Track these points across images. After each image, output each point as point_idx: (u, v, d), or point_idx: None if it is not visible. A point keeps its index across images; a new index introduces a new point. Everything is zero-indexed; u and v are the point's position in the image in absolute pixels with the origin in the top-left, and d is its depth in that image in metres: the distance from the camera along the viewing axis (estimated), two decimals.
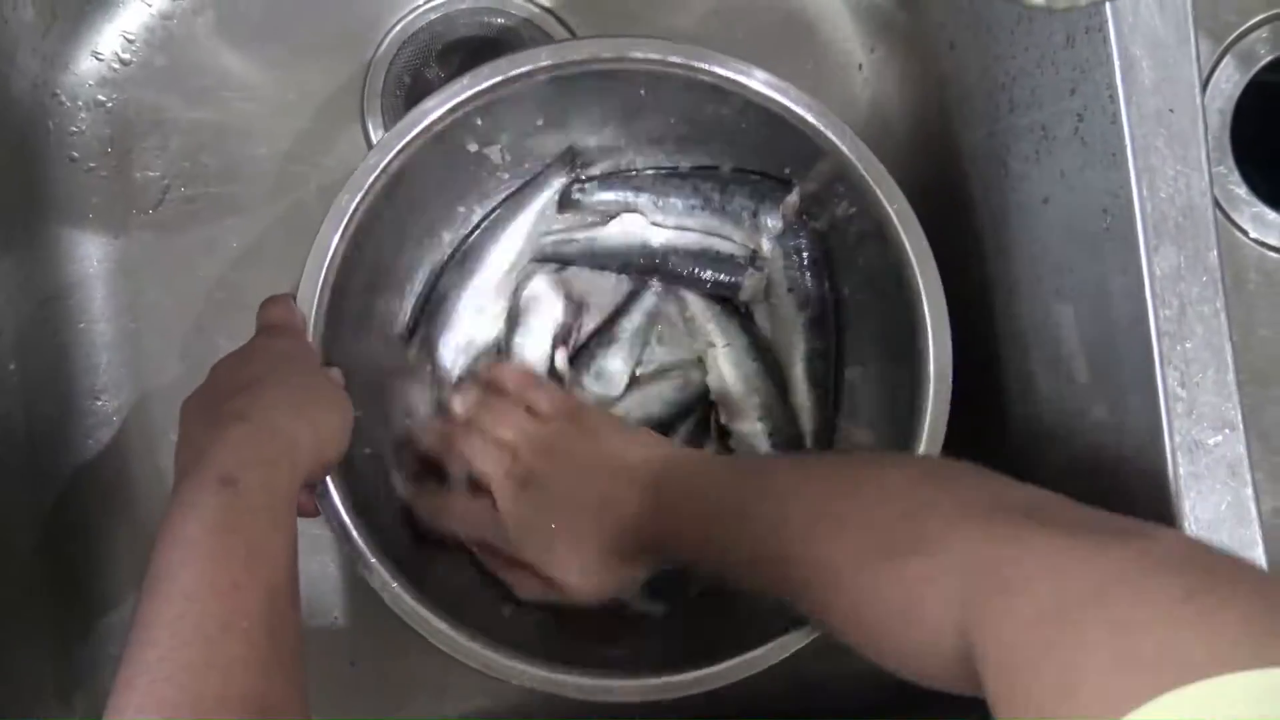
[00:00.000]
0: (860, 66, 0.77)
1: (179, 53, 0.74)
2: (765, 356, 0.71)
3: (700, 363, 0.72)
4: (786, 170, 0.69)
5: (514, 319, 0.71)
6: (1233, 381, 0.51)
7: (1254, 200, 0.64)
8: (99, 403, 0.73)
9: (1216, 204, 0.52)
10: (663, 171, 0.72)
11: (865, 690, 0.72)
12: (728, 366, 0.71)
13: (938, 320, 0.60)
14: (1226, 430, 0.50)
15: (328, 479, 0.57)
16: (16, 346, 0.68)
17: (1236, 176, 0.65)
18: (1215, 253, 0.51)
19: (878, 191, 0.60)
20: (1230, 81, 0.65)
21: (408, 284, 0.71)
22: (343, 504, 0.58)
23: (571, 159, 0.71)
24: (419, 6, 0.75)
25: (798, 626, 0.57)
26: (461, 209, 0.71)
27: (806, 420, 0.71)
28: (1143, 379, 0.51)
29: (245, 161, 0.74)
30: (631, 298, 0.72)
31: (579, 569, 0.60)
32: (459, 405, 0.66)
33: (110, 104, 0.73)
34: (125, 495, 0.72)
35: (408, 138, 0.60)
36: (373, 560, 0.58)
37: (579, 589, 0.60)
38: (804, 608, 0.53)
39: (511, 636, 0.59)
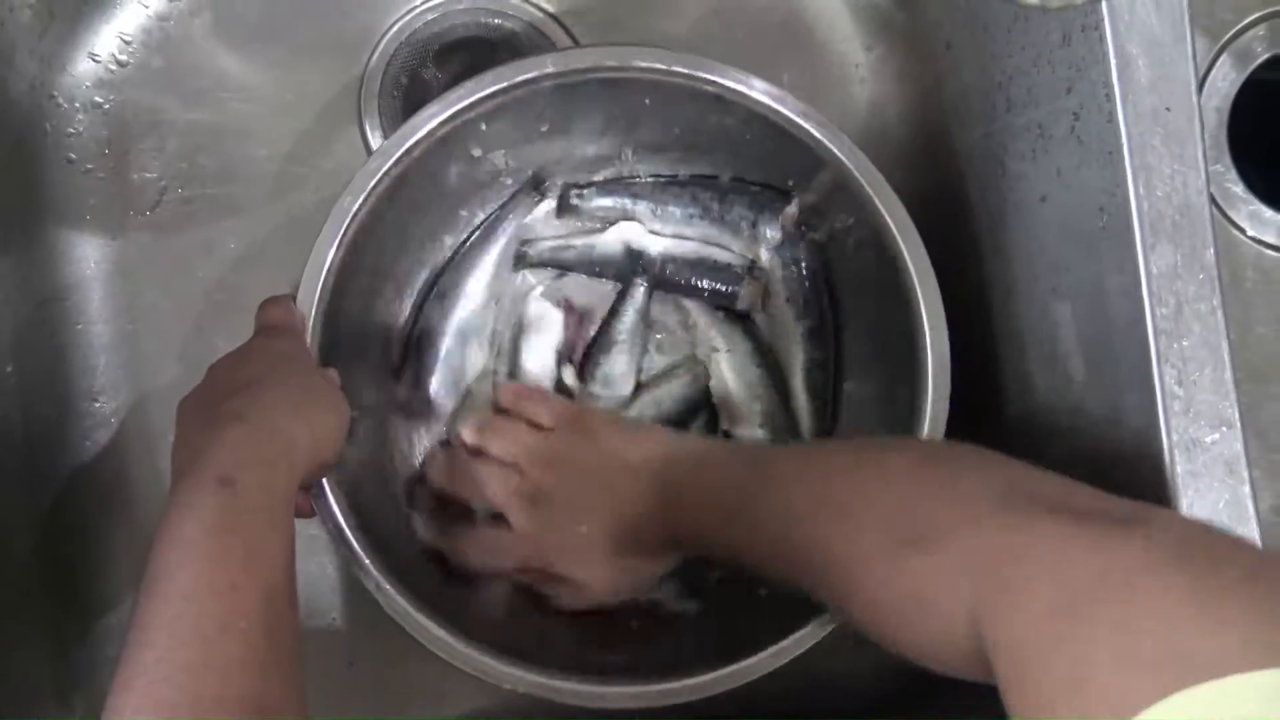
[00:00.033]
0: (858, 66, 0.77)
1: (176, 54, 0.74)
2: (768, 363, 0.71)
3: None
4: (790, 182, 0.69)
5: (517, 340, 0.71)
6: (1230, 379, 0.51)
7: (1251, 198, 0.64)
8: (97, 404, 0.72)
9: (1213, 202, 0.52)
10: (662, 180, 0.72)
11: (866, 690, 0.72)
12: (730, 373, 0.71)
13: (936, 331, 0.60)
14: (1224, 428, 0.50)
15: (324, 481, 0.57)
16: (14, 348, 0.68)
17: (1233, 174, 0.65)
18: (1212, 251, 0.51)
19: (876, 201, 0.61)
20: (1227, 79, 0.65)
21: (408, 287, 0.71)
22: (338, 506, 0.58)
23: (537, 184, 0.71)
24: (416, 7, 0.75)
25: (794, 631, 0.57)
26: (464, 213, 0.71)
27: (806, 430, 0.71)
28: (1140, 377, 0.52)
29: (243, 163, 0.74)
30: (621, 297, 0.72)
31: (598, 571, 0.61)
32: (468, 435, 0.66)
33: (107, 105, 0.73)
34: (123, 496, 0.72)
35: (411, 141, 0.60)
36: (367, 562, 0.58)
37: (603, 590, 0.61)
38: (819, 596, 0.53)
39: (509, 641, 0.59)
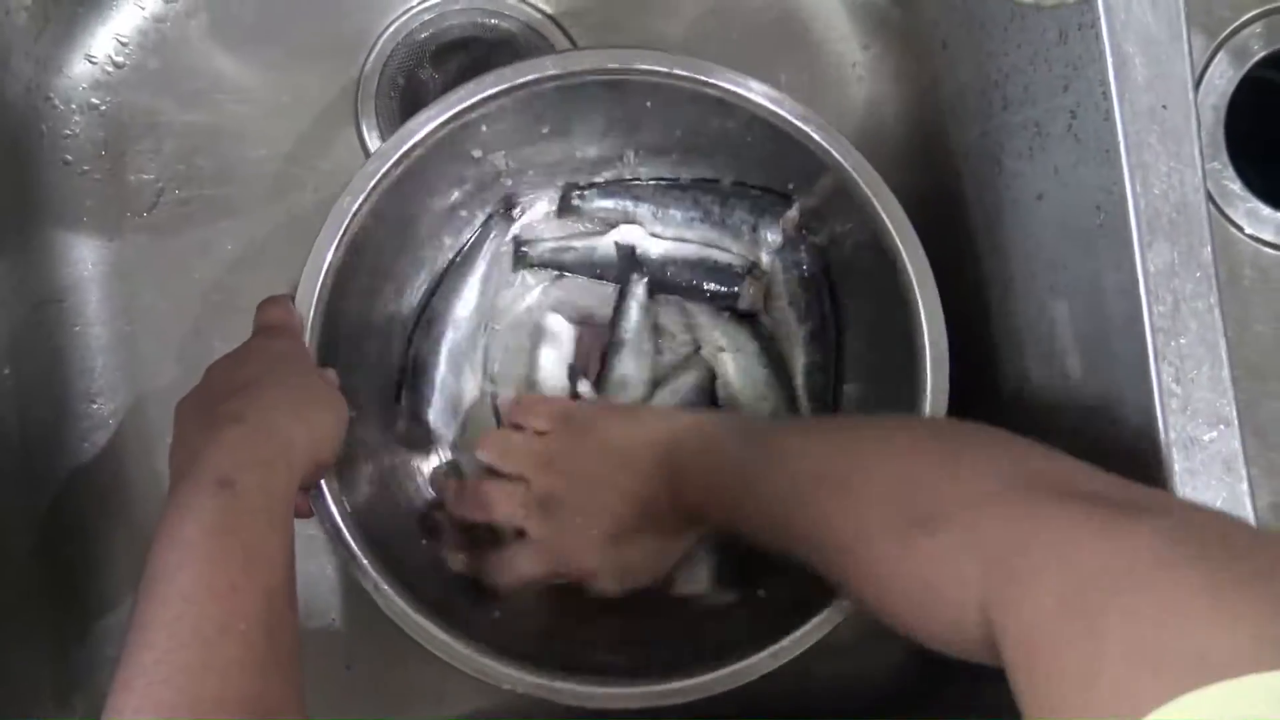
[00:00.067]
0: (855, 65, 0.77)
1: (172, 56, 0.74)
2: (774, 363, 0.71)
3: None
4: (790, 186, 0.69)
5: (533, 357, 0.72)
6: (1227, 377, 0.51)
7: (1248, 196, 0.64)
8: (95, 406, 0.72)
9: (1211, 200, 0.52)
10: (663, 183, 0.73)
11: (865, 690, 0.72)
12: (736, 373, 0.71)
13: (934, 331, 0.60)
14: (1221, 426, 0.50)
15: (322, 482, 0.57)
16: (11, 350, 0.68)
17: (1231, 172, 0.65)
18: (1209, 249, 0.51)
19: (875, 203, 0.61)
20: (1224, 77, 0.65)
21: (407, 287, 0.71)
22: (336, 506, 0.58)
23: (509, 208, 0.72)
24: (412, 8, 0.75)
25: (793, 631, 0.57)
26: (463, 213, 0.71)
27: None
28: (1138, 375, 0.52)
29: (239, 164, 0.74)
30: (622, 296, 0.72)
31: (624, 562, 0.61)
32: (478, 456, 0.66)
33: (104, 107, 0.73)
34: (121, 498, 0.72)
35: (411, 143, 0.60)
36: (365, 563, 0.58)
37: (635, 578, 0.62)
38: (832, 577, 0.52)
39: (508, 641, 0.59)
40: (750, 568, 0.66)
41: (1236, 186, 0.65)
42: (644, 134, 0.69)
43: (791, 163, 0.64)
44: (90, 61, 0.73)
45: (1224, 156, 0.65)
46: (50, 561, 0.69)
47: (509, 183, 0.71)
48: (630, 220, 0.72)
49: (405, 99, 0.75)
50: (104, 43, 0.73)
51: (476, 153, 0.66)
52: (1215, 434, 0.50)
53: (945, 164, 0.71)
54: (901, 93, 0.76)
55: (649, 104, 0.64)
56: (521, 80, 0.60)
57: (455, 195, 0.69)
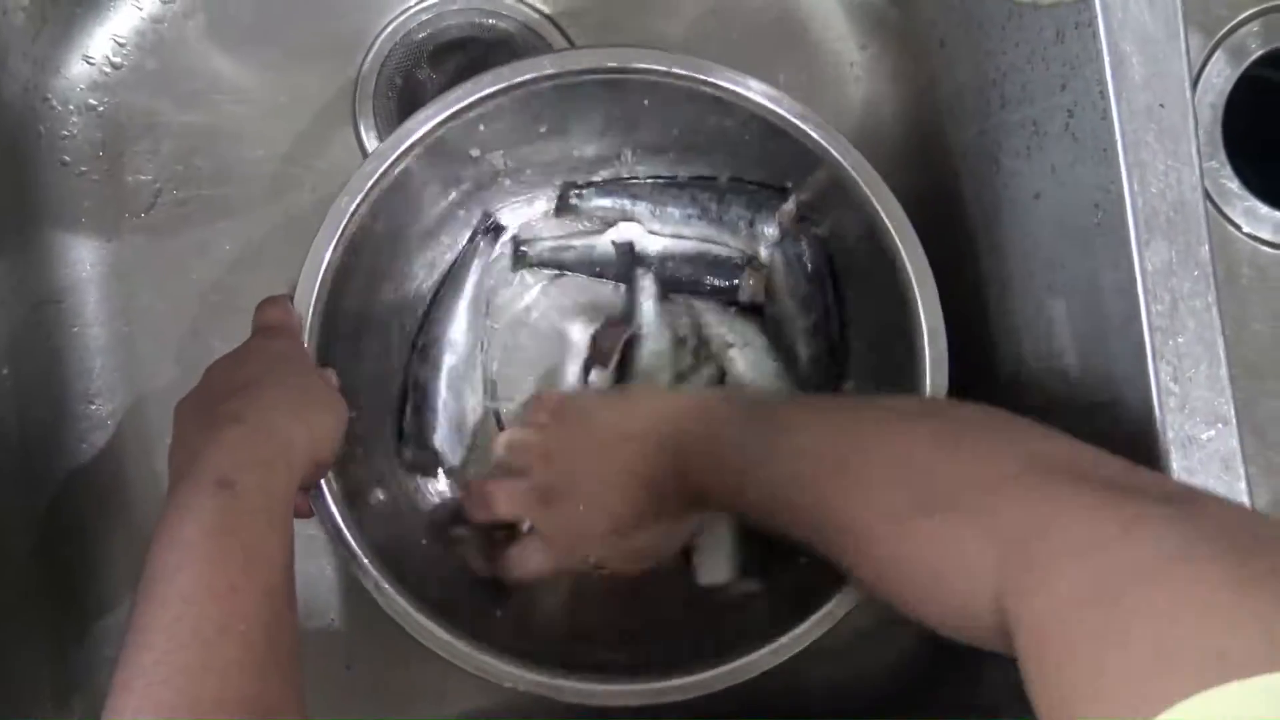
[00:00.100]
0: (852, 65, 0.77)
1: (170, 56, 0.74)
2: (784, 356, 0.71)
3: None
4: (789, 184, 0.69)
5: (559, 368, 0.72)
6: (1225, 376, 0.51)
7: (1246, 194, 0.65)
8: (93, 407, 0.72)
9: (1209, 198, 0.52)
10: (661, 181, 0.73)
11: (865, 690, 0.72)
12: (746, 367, 0.70)
13: (933, 329, 0.60)
14: (1219, 425, 0.50)
15: (322, 482, 0.57)
16: (9, 351, 0.68)
17: (1229, 171, 0.65)
18: (1207, 247, 0.51)
19: (874, 201, 0.61)
20: (1222, 76, 0.65)
21: (407, 286, 0.71)
22: (336, 505, 0.58)
23: (493, 229, 0.72)
24: (410, 8, 0.75)
25: (792, 628, 0.57)
26: (462, 213, 0.71)
27: None
28: (1135, 374, 0.52)
29: (237, 164, 0.74)
30: (630, 293, 0.71)
31: (631, 546, 0.61)
32: (495, 455, 0.66)
33: (101, 108, 0.73)
34: (121, 499, 0.72)
35: (408, 142, 0.60)
36: (365, 562, 0.58)
37: (643, 559, 0.62)
38: (834, 559, 0.51)
39: (509, 640, 0.59)
40: (772, 557, 0.66)
41: (1234, 185, 0.65)
42: (642, 133, 0.69)
43: (788, 159, 0.64)
44: (88, 62, 0.73)
45: (1221, 155, 0.65)
46: (49, 562, 0.69)
47: (507, 182, 0.71)
48: (628, 218, 0.72)
49: (403, 99, 0.75)
50: (102, 43, 0.73)
51: (474, 152, 0.66)
52: (1213, 433, 0.50)
53: (943, 163, 0.71)
54: (899, 92, 0.76)
55: (647, 103, 0.64)
56: (519, 79, 0.60)
57: (453, 195, 0.69)
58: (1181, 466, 0.50)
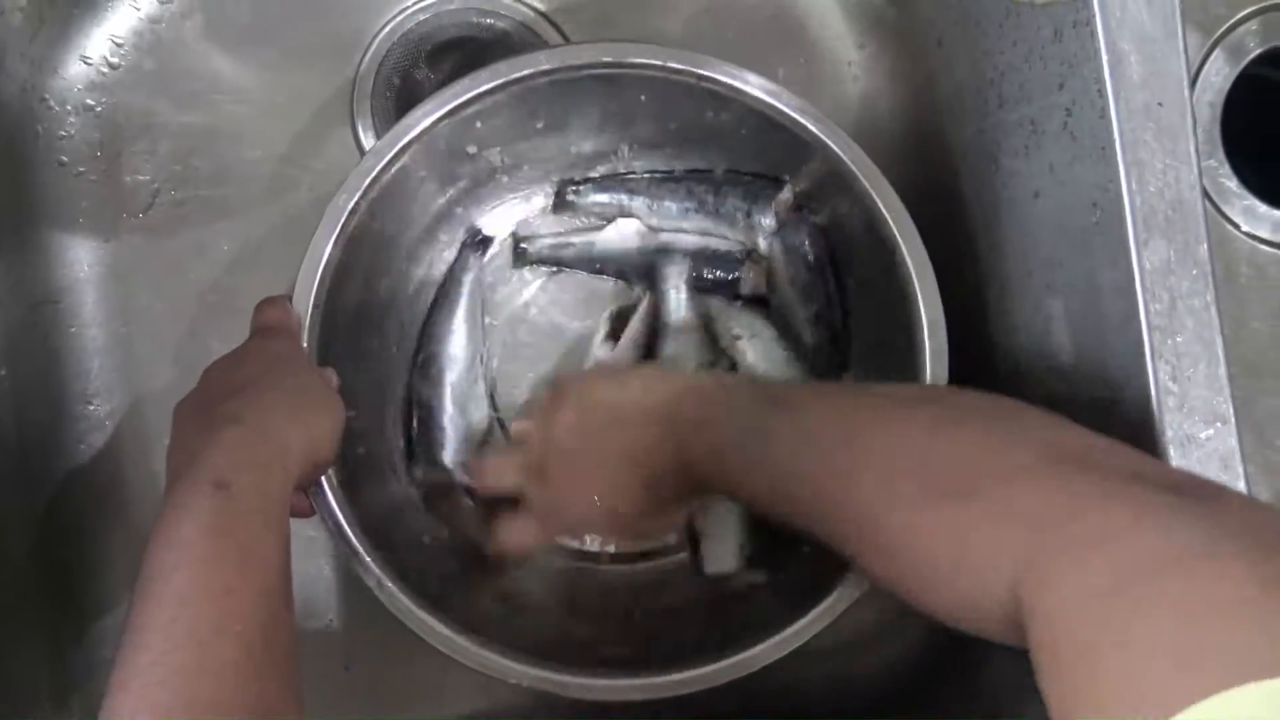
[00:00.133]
0: (850, 64, 0.77)
1: (168, 56, 0.74)
2: (793, 345, 0.71)
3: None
4: (786, 177, 0.69)
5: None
6: (1224, 375, 0.51)
7: (1245, 193, 0.64)
8: (91, 407, 0.72)
9: (1208, 197, 0.52)
10: (657, 175, 0.73)
11: (865, 689, 0.72)
12: (756, 358, 0.70)
13: (934, 325, 0.60)
14: (1218, 424, 0.50)
15: (323, 479, 0.57)
16: (7, 352, 0.68)
17: (1227, 169, 0.65)
18: (1205, 246, 0.51)
19: (874, 195, 0.61)
20: (1220, 74, 0.65)
21: (406, 285, 0.71)
22: (337, 502, 0.58)
23: (479, 243, 0.72)
24: (408, 8, 0.75)
25: (795, 622, 0.57)
26: (459, 210, 0.71)
27: None
28: (1134, 373, 0.52)
29: (235, 164, 0.74)
30: (655, 281, 0.72)
31: (620, 519, 0.60)
32: (513, 436, 0.66)
33: (99, 108, 0.73)
34: (118, 499, 0.72)
35: (405, 140, 0.60)
36: (368, 560, 0.58)
37: (629, 534, 0.63)
38: (835, 547, 0.50)
39: (510, 636, 0.59)
40: (777, 547, 0.66)
41: (1233, 184, 0.64)
42: (638, 128, 0.69)
43: (785, 152, 0.64)
44: (85, 62, 0.73)
45: (1220, 154, 0.65)
46: (47, 563, 0.69)
47: (505, 179, 0.71)
48: (626, 214, 0.72)
49: (401, 98, 0.75)
50: (99, 44, 0.73)
51: (472, 149, 0.66)
52: (1212, 432, 0.50)
53: (942, 162, 0.71)
54: (897, 91, 0.76)
55: (643, 98, 0.64)
56: (516, 75, 0.60)
57: (450, 192, 0.69)
58: (1180, 465, 0.50)
